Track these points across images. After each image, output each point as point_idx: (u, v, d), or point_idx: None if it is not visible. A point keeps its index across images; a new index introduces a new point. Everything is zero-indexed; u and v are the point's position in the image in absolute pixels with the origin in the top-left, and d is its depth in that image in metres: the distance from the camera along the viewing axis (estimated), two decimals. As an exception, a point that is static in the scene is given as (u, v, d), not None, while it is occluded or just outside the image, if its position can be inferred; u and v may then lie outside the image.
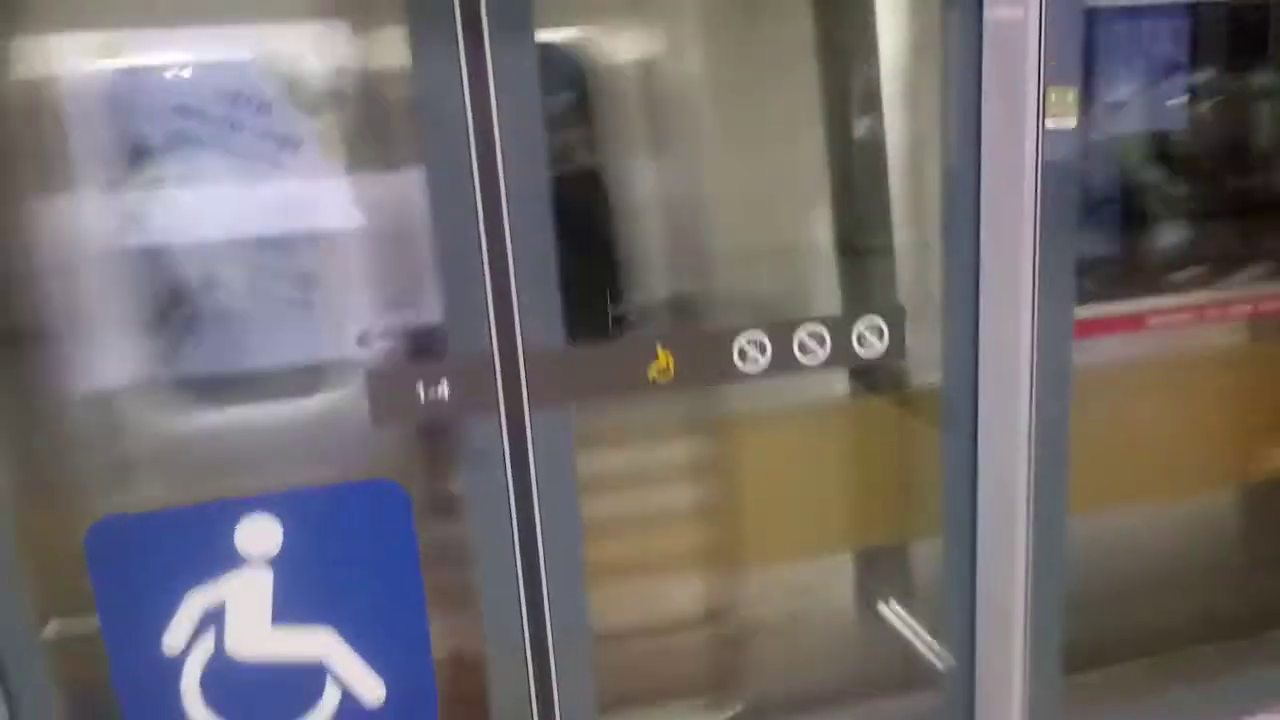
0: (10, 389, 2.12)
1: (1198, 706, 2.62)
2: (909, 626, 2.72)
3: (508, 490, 2.15)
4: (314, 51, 2.08)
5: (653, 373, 2.16)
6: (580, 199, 2.42)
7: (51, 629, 2.11)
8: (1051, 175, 2.14)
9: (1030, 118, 2.11)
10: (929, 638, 2.64)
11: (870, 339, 2.25)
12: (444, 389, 2.07)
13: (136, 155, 2.05)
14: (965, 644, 2.56)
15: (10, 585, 2.03)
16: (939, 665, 2.59)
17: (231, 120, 2.05)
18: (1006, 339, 2.27)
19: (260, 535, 2.06)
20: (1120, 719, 2.58)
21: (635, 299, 2.36)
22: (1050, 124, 2.13)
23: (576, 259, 2.17)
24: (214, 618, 2.07)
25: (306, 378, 2.26)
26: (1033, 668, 2.42)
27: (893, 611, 2.77)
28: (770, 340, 2.19)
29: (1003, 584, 2.41)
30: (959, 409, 2.40)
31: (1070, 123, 2.15)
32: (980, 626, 2.52)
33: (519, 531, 2.17)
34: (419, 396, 2.06)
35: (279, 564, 2.08)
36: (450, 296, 2.05)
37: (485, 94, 1.96)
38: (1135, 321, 2.40)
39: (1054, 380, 2.26)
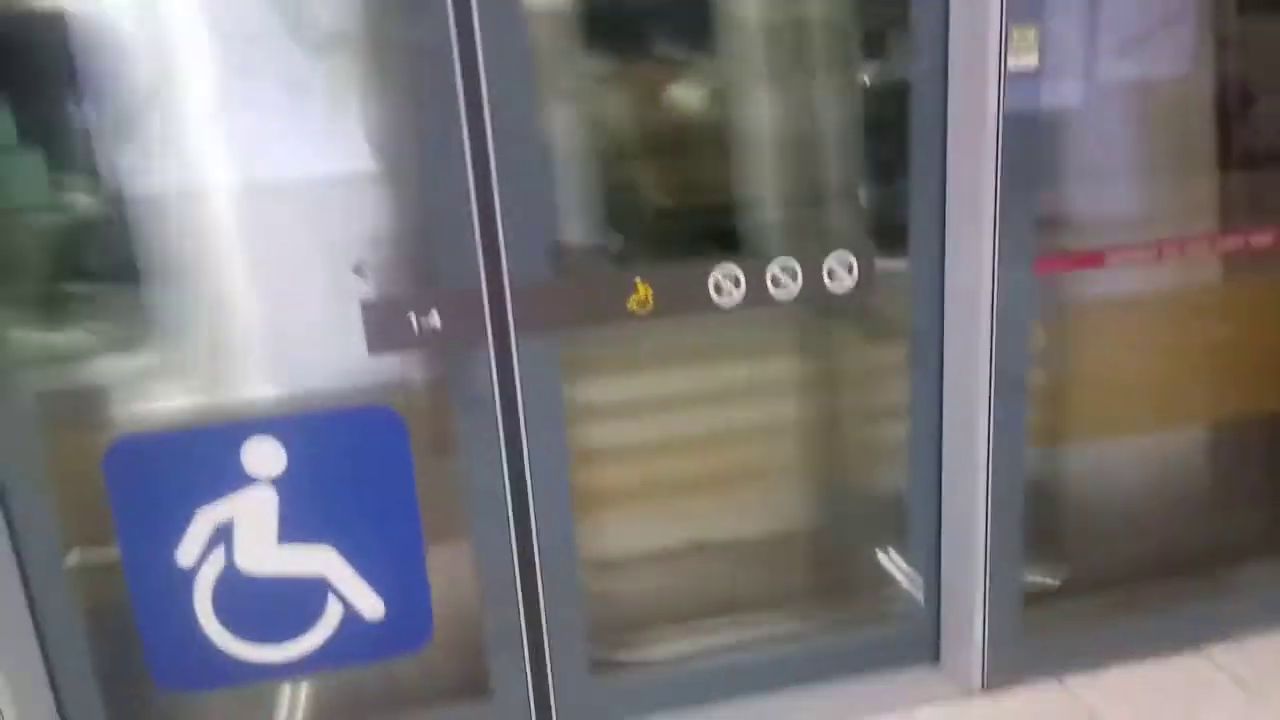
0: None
1: (1153, 637, 2.74)
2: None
3: (496, 417, 2.28)
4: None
5: (632, 304, 2.29)
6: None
7: (73, 557, 2.25)
8: (1014, 114, 2.25)
9: (993, 56, 2.21)
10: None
11: (840, 273, 2.37)
12: (435, 319, 2.20)
13: (146, 98, 2.09)
14: (932, 578, 2.69)
15: (37, 513, 2.19)
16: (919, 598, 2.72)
17: (239, 62, 2.12)
18: (968, 278, 2.39)
19: (265, 456, 2.20)
20: (1077, 650, 2.69)
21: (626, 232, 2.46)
22: (1012, 63, 2.24)
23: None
24: (223, 534, 2.21)
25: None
26: (993, 600, 2.55)
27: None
28: (744, 274, 2.31)
29: (965, 516, 2.54)
30: (925, 345, 2.52)
31: (1031, 61, 2.26)
32: (945, 560, 2.66)
33: (507, 457, 2.31)
34: (412, 325, 2.19)
35: (283, 484, 2.22)
36: (439, 231, 2.18)
37: (470, 30, 2.08)
38: (1096, 258, 2.52)
39: (1015, 316, 2.38)
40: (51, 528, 2.19)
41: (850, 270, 2.37)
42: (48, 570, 2.21)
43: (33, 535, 2.18)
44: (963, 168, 2.36)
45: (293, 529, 2.24)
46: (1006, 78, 2.24)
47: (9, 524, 2.16)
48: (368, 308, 2.17)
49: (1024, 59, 2.26)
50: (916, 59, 2.35)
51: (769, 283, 2.33)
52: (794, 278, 2.34)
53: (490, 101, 2.11)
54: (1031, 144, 2.31)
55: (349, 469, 2.25)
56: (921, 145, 2.39)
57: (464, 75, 2.09)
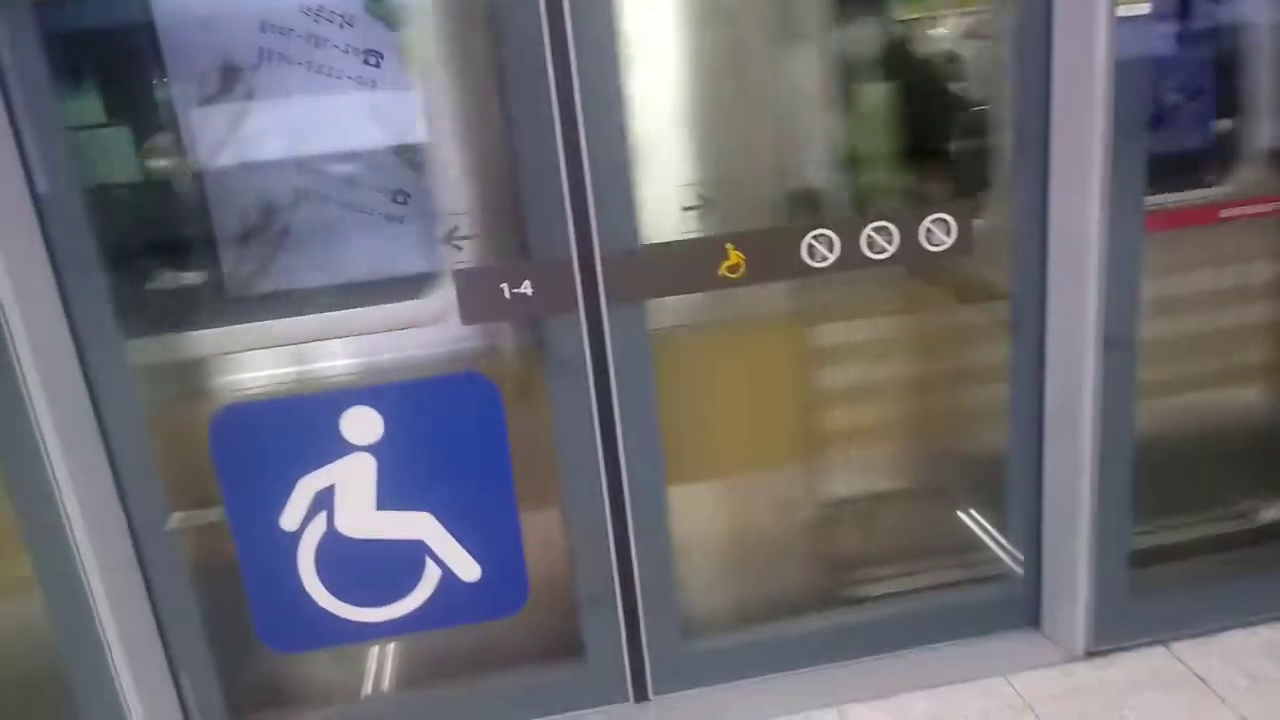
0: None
1: (1270, 601, 2.64)
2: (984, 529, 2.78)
3: (588, 384, 2.28)
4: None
5: (723, 270, 2.26)
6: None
7: (175, 520, 2.31)
8: (1125, 60, 2.14)
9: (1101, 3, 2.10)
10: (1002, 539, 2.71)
11: (938, 234, 2.29)
12: (527, 288, 2.20)
13: (227, 73, 2.14)
14: (1033, 540, 2.63)
15: (145, 478, 2.27)
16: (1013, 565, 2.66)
17: (316, 36, 2.13)
18: (1075, 237, 2.29)
19: (363, 424, 2.24)
20: (1186, 614, 2.61)
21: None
22: (1122, 10, 2.12)
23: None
24: (325, 500, 2.27)
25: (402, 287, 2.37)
26: (1098, 562, 2.48)
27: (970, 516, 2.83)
28: (838, 237, 2.26)
29: (1069, 476, 2.46)
30: (1026, 305, 2.44)
31: (1144, 8, 2.14)
32: (1047, 522, 2.59)
33: (599, 423, 2.32)
34: (504, 294, 2.20)
35: (381, 451, 2.26)
36: (531, 201, 2.17)
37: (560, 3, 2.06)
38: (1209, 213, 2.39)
39: (1125, 275, 2.29)
40: (157, 492, 2.27)
41: (948, 231, 2.29)
42: (156, 534, 2.30)
43: (141, 499, 2.27)
44: (1069, 120, 2.25)
45: (391, 495, 2.29)
46: (1116, 21, 2.12)
47: (120, 489, 2.24)
48: (461, 278, 2.18)
49: (1135, 2, 2.13)
50: (1018, 5, 2.24)
51: (864, 245, 2.27)
52: (889, 239, 2.27)
53: (579, 70, 2.08)
54: (1142, 92, 2.19)
55: (445, 436, 2.28)
56: (1024, 96, 2.28)
57: (553, 48, 2.07)
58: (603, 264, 2.21)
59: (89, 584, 2.14)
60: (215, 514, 2.26)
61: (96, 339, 2.15)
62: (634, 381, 2.31)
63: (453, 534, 2.33)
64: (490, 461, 2.30)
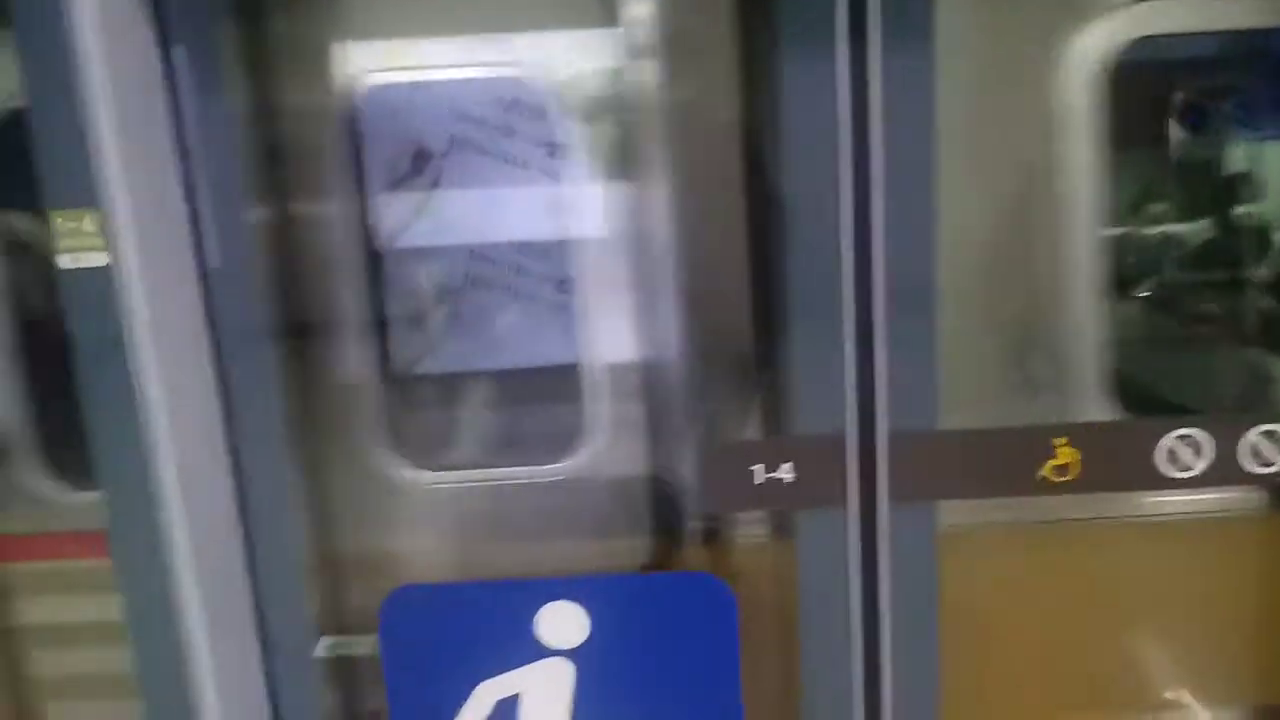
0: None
1: None
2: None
3: (850, 601, 1.76)
4: (588, 59, 1.95)
5: (1047, 470, 1.71)
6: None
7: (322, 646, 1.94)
8: None
9: None
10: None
11: (1354, 450, 1.69)
12: (786, 471, 1.71)
13: (417, 159, 2.07)
14: None
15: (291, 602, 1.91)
16: None
17: (506, 126, 2.05)
18: None
19: (565, 624, 1.78)
20: None
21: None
22: None
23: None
24: (507, 712, 1.82)
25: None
26: None
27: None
28: (1211, 439, 1.68)
29: None
30: None
31: None
32: None
33: (863, 643, 1.79)
34: (754, 479, 1.71)
35: (582, 658, 1.79)
36: (804, 359, 1.68)
37: (865, 109, 1.58)
38: None
39: None
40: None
41: (1373, 446, 1.68)
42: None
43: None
44: None
45: (590, 713, 1.81)
46: None
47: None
48: (708, 457, 1.70)
49: None
50: None
51: (1244, 453, 1.69)
52: (1283, 447, 1.68)
53: (885, 193, 1.60)
54: None
55: (662, 646, 1.80)
56: None
57: (856, 157, 1.59)
58: (890, 448, 1.69)
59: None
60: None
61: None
62: (911, 602, 1.77)
63: (659, 768, 1.84)
64: (715, 683, 1.81)
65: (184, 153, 1.75)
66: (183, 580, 1.68)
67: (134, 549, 1.69)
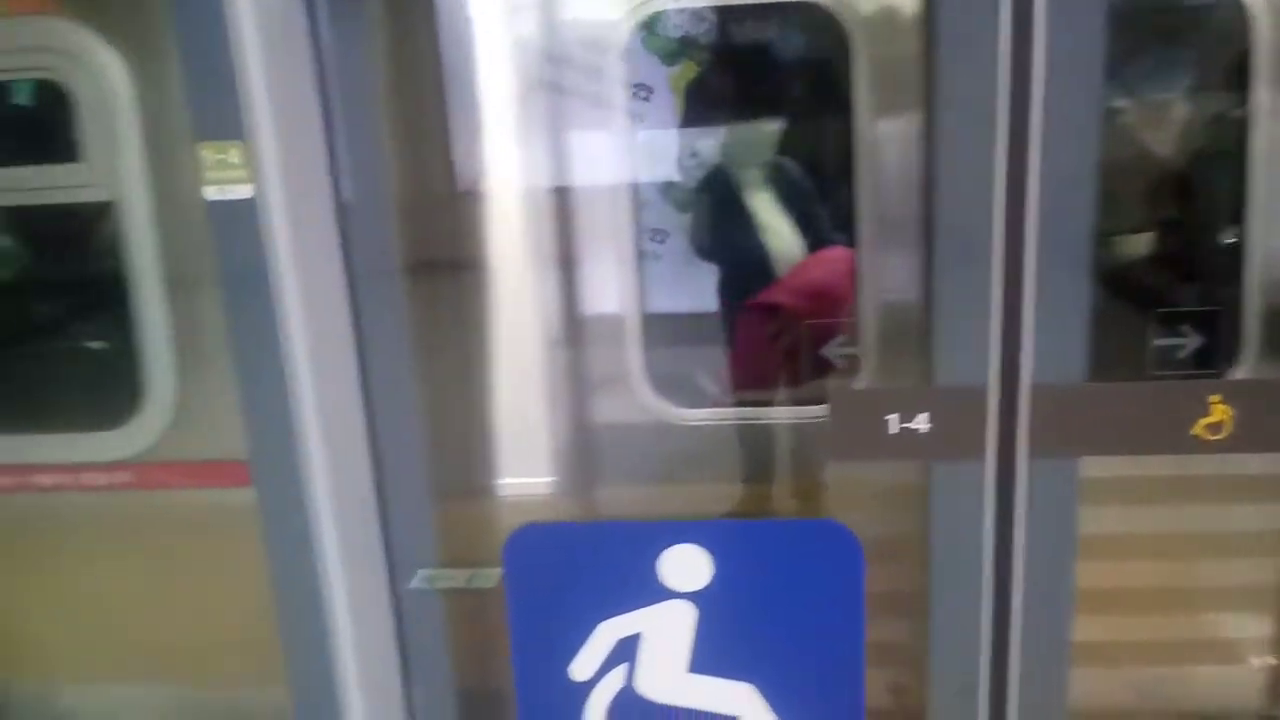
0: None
1: None
2: None
3: (984, 557, 1.72)
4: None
5: (1199, 428, 1.63)
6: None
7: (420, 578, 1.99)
8: None
9: None
10: None
11: None
12: (922, 422, 1.66)
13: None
14: None
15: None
16: None
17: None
18: None
19: (687, 567, 1.77)
20: None
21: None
22: None
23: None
24: (627, 651, 1.82)
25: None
26: None
27: None
28: (1387, 400, 1.58)
29: None
30: None
31: None
32: None
33: (994, 598, 1.74)
34: (889, 428, 1.67)
35: (704, 603, 1.78)
36: (948, 308, 1.63)
37: (1027, 53, 1.51)
38: None
39: None
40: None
41: None
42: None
43: None
44: None
45: (709, 657, 1.81)
46: None
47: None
48: (840, 403, 1.66)
49: None
50: None
51: None
52: None
53: (1044, 135, 1.53)
54: None
55: (785, 593, 1.77)
56: None
57: (1014, 93, 1.53)
58: (1033, 400, 1.64)
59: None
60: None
61: None
62: (1047, 561, 1.72)
63: (779, 716, 1.82)
64: (838, 634, 1.78)
65: (324, 88, 1.77)
66: (319, 506, 1.73)
67: (274, 475, 1.74)
